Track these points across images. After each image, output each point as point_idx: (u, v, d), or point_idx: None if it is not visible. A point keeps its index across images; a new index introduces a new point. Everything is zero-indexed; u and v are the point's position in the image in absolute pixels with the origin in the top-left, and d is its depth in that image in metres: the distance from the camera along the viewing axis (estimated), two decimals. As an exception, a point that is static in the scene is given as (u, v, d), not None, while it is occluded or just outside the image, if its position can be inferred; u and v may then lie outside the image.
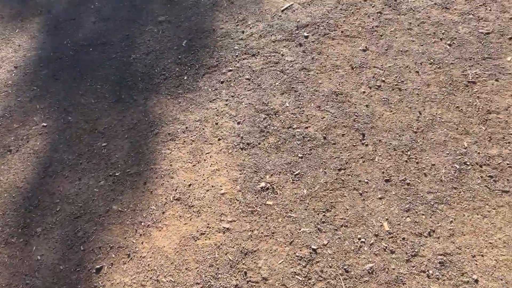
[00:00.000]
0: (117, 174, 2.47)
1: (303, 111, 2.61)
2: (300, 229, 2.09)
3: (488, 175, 2.18)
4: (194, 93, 2.83)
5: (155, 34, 3.30)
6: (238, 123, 2.61)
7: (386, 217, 2.09)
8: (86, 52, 3.25)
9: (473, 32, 2.90)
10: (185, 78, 2.94)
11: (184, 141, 2.57)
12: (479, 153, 2.28)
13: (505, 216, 2.03)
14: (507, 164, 2.21)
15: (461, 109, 2.49)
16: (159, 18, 3.42)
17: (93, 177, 2.48)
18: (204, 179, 2.36)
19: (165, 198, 2.32)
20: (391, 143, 2.38)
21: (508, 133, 2.33)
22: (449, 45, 2.85)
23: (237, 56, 3.01)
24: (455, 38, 2.88)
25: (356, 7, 3.20)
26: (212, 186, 2.33)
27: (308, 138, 2.46)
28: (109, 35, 3.36)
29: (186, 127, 2.64)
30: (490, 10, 3.02)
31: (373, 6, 3.19)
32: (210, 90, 2.83)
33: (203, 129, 2.61)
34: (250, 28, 3.19)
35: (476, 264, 1.90)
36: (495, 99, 2.51)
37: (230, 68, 2.94)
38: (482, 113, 2.45)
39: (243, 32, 3.17)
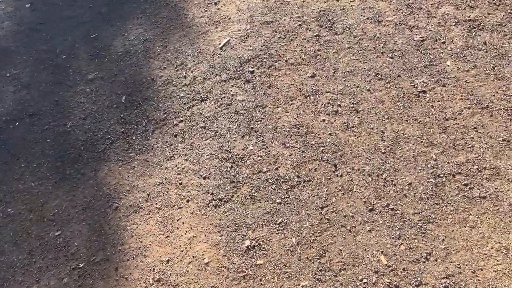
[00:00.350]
0: (81, 266, 2.17)
1: (269, 151, 2.50)
2: (299, 285, 1.96)
3: (463, 183, 2.21)
4: (147, 153, 2.60)
5: (89, 94, 3.01)
6: (204, 177, 2.43)
7: (381, 250, 2.03)
8: (13, 128, 2.88)
9: (410, 41, 2.99)
10: (134, 138, 2.70)
11: (150, 211, 2.34)
12: (448, 162, 2.31)
13: (490, 223, 2.06)
14: (476, 168, 2.26)
15: (420, 121, 2.53)
16: (89, 76, 3.13)
17: (54, 275, 2.16)
18: (182, 251, 2.15)
19: (144, 282, 2.07)
20: (364, 169, 2.35)
21: (469, 137, 2.40)
22: (391, 57, 2.91)
23: (185, 104, 2.84)
24: (395, 50, 2.95)
25: (293, 33, 3.18)
26: (193, 256, 2.12)
27: (281, 180, 2.35)
28: (35, 104, 3.01)
29: (148, 194, 2.41)
30: (419, 17, 3.14)
31: (310, 30, 3.18)
32: (164, 147, 2.62)
33: (167, 192, 2.40)
34: (192, 71, 3.03)
35: (478, 280, 1.89)
36: (447, 105, 2.58)
37: (181, 119, 2.76)
38: (440, 121, 2.51)
39: (185, 77, 3.00)
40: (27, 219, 2.41)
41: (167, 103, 2.86)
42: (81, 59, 3.27)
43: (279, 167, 2.42)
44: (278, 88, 2.83)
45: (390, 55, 2.92)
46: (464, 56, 2.83)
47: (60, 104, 2.98)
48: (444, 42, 2.94)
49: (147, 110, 2.84)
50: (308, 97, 2.75)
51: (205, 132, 2.65)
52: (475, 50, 2.85)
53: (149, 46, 3.27)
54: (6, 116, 2.96)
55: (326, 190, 2.28)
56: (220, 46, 3.16)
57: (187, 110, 2.79)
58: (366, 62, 2.90)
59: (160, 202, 2.36)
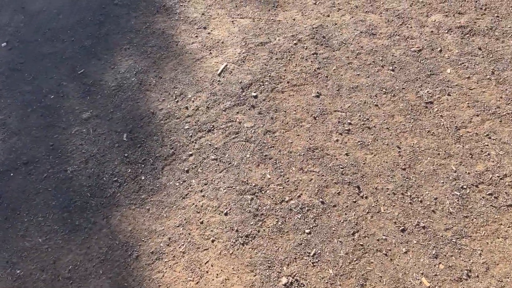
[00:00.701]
0: (108, 325, 2.03)
1: (288, 178, 2.43)
2: (346, 319, 1.90)
3: (487, 193, 2.23)
4: (160, 193, 2.49)
5: (86, 135, 2.86)
6: (226, 214, 2.33)
7: (421, 271, 2.00)
8: (8, 179, 2.69)
9: (407, 52, 3.02)
10: (143, 178, 2.57)
11: (174, 256, 2.22)
12: (468, 173, 2.32)
13: (522, 231, 2.07)
14: (498, 176, 2.28)
15: (433, 133, 2.54)
16: (83, 115, 2.98)
17: None
18: (217, 296, 2.05)
19: (181, 336, 1.95)
20: (387, 188, 2.32)
21: (484, 145, 2.43)
22: (392, 70, 2.92)
23: (191, 136, 2.73)
24: (394, 62, 2.96)
25: (290, 53, 3.14)
26: (230, 301, 2.02)
27: (306, 208, 2.29)
28: (29, 150, 2.82)
29: (169, 238, 2.29)
30: (411, 27, 3.18)
31: (306, 48, 3.16)
32: (177, 184, 2.51)
33: (189, 233, 2.29)
34: (193, 101, 2.94)
35: (522, 292, 1.89)
36: (456, 114, 2.61)
37: (190, 152, 2.65)
38: (452, 131, 2.53)
39: (187, 107, 2.90)
40: (40, 279, 2.23)
41: (173, 137, 2.75)
42: (72, 98, 3.10)
43: (301, 194, 2.36)
44: (285, 111, 2.78)
45: (391, 67, 2.93)
46: (462, 63, 2.88)
47: (56, 148, 2.81)
48: (440, 51, 2.98)
49: (152, 147, 2.72)
50: (317, 118, 2.72)
51: (218, 164, 2.56)
52: (471, 56, 2.91)
53: (143, 78, 3.15)
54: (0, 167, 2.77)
55: (354, 214, 2.24)
56: (218, 72, 3.08)
57: (195, 143, 2.70)
58: (368, 77, 2.90)
59: (183, 245, 2.25)
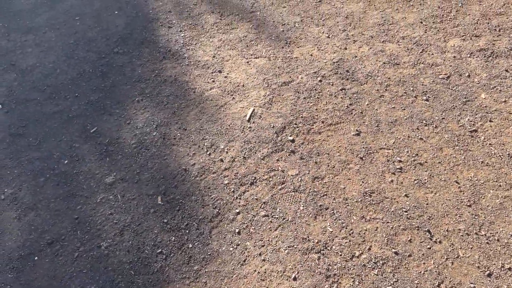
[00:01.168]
0: None
1: (351, 230, 2.27)
2: None
3: None
4: (215, 262, 2.25)
5: (115, 202, 2.59)
6: (294, 278, 2.13)
7: (523, 320, 1.87)
8: (33, 265, 2.36)
9: (436, 80, 2.97)
10: (191, 246, 2.33)
11: (248, 335, 1.98)
12: (537, 203, 2.25)
13: None
14: None
15: (487, 163, 2.46)
16: (106, 180, 2.71)
17: None
18: None
19: None
20: (459, 229, 2.21)
21: (543, 171, 2.37)
22: (426, 100, 2.86)
23: (233, 192, 2.53)
24: (426, 91, 2.91)
25: (317, 91, 3.03)
26: None
27: (381, 262, 2.13)
28: (52, 227, 2.51)
29: (238, 314, 2.05)
30: (433, 54, 3.16)
31: (332, 84, 3.06)
32: (231, 249, 2.29)
33: (259, 306, 2.06)
34: (227, 152, 2.74)
35: None
36: (504, 141, 2.55)
37: (236, 210, 2.44)
38: (506, 159, 2.46)
39: (222, 160, 2.70)
40: None
41: (213, 194, 2.53)
42: (89, 161, 2.83)
43: (371, 246, 2.20)
44: (328, 154, 2.64)
45: (424, 97, 2.87)
46: (494, 87, 2.86)
47: (83, 221, 2.52)
48: (468, 76, 2.96)
49: (193, 208, 2.49)
50: (363, 158, 2.59)
51: (271, 221, 2.37)
52: (501, 79, 2.90)
53: (165, 132, 2.93)
54: (19, 251, 2.43)
55: (433, 262, 2.10)
56: (247, 118, 2.91)
57: (240, 199, 2.49)
58: (404, 109, 2.82)
59: (255, 320, 2.02)
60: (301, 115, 2.88)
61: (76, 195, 2.66)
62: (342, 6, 3.74)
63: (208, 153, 2.76)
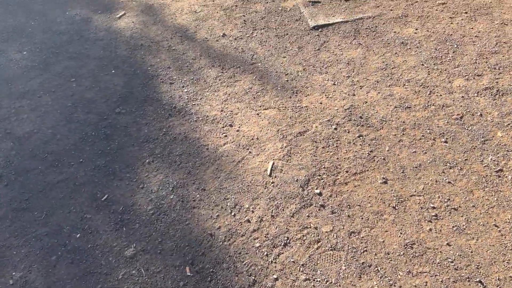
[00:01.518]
0: None
1: (400, 287, 2.15)
2: None
3: None
4: (261, 337, 2.06)
5: (139, 277, 2.38)
6: None
7: None
8: None
9: (450, 121, 3.00)
10: (231, 321, 2.14)
11: None
12: None
13: None
14: None
15: (522, 203, 2.44)
16: (126, 253, 2.50)
17: None
18: None
19: None
20: (510, 276, 2.13)
21: None
22: (445, 142, 2.86)
23: (267, 255, 2.38)
24: (443, 133, 2.92)
25: (334, 139, 2.99)
26: None
27: (439, 321, 2.00)
28: (71, 313, 2.27)
29: None
30: (441, 95, 3.21)
31: (349, 132, 3.03)
32: (276, 320, 2.11)
33: None
34: (252, 211, 2.61)
35: None
36: (533, 178, 2.56)
37: (274, 276, 2.29)
38: (539, 198, 2.45)
39: (248, 220, 2.57)
40: None
41: (245, 260, 2.38)
42: (104, 233, 2.62)
43: (425, 303, 2.08)
44: (359, 205, 2.56)
45: (443, 139, 2.88)
46: (508, 124, 2.91)
47: (105, 303, 2.29)
48: (481, 115, 3.01)
49: (226, 278, 2.31)
50: (396, 207, 2.52)
51: (313, 286, 2.22)
52: (512, 116, 2.96)
53: (183, 194, 2.78)
54: None
55: (494, 316, 2.00)
56: (267, 173, 2.81)
57: (275, 263, 2.34)
58: (425, 153, 2.81)
59: None
60: (323, 166, 2.81)
61: (94, 273, 2.43)
62: (341, 53, 3.80)
63: (232, 214, 2.62)
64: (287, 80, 3.60)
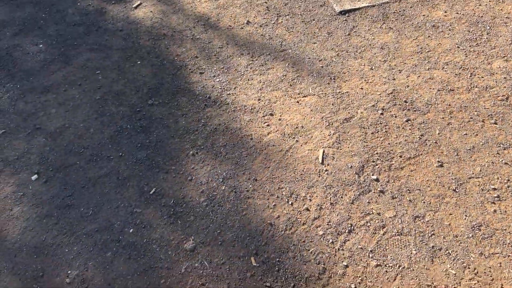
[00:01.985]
0: None
1: (475, 269, 2.14)
2: None
3: None
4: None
5: (203, 270, 2.32)
6: (437, 332, 1.95)
7: None
8: None
9: (496, 102, 2.99)
10: (307, 310, 2.10)
11: None
12: None
13: None
14: None
15: None
16: (186, 246, 2.43)
17: None
18: None
19: None
20: None
21: None
22: (495, 123, 2.86)
23: (333, 243, 2.34)
24: (491, 114, 2.91)
25: (382, 124, 2.95)
26: None
27: (520, 300, 2.00)
28: (138, 310, 2.19)
29: None
30: (483, 77, 3.19)
31: (396, 116, 3.00)
32: (353, 308, 2.07)
33: None
34: (310, 200, 2.56)
35: None
36: None
37: (344, 263, 2.25)
38: None
39: (307, 209, 2.52)
40: None
41: (311, 248, 2.33)
42: (158, 226, 2.55)
43: (502, 285, 2.07)
44: (419, 190, 2.53)
45: (492, 121, 2.87)
46: (555, 104, 2.91)
47: (172, 298, 2.22)
48: (526, 95, 3.00)
49: (294, 266, 2.27)
50: (456, 190, 2.50)
51: (386, 271, 2.19)
52: (558, 95, 2.96)
53: (235, 185, 2.72)
54: None
55: None
56: (319, 160, 2.76)
57: (342, 250, 2.30)
58: (477, 135, 2.79)
59: None
60: (375, 152, 2.78)
61: (154, 267, 2.36)
62: (373, 37, 3.75)
63: (289, 203, 2.57)
64: (322, 66, 3.54)
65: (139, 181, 2.82)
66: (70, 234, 2.57)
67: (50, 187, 2.84)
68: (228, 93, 3.43)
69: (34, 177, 2.92)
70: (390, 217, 2.41)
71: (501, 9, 3.83)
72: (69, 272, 2.38)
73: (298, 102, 3.24)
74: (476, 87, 3.12)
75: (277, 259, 2.31)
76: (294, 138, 2.96)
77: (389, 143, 2.82)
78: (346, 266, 2.23)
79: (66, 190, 2.82)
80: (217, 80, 3.57)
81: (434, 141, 2.79)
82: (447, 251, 2.22)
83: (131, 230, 2.55)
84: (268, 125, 3.09)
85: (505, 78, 3.15)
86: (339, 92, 3.27)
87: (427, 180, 2.57)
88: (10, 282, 2.35)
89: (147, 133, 3.16)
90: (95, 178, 2.88)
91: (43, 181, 2.88)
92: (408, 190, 2.53)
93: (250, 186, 2.70)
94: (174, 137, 3.10)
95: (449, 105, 3.02)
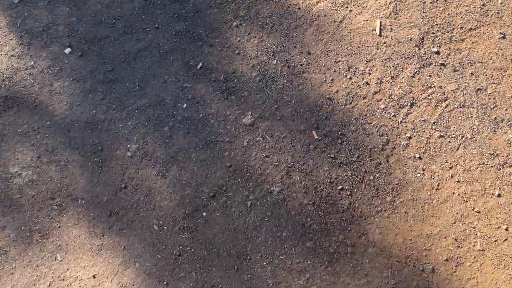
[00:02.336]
0: None
1: (536, 138, 2.20)
2: None
3: None
4: (406, 190, 2.14)
5: (265, 143, 2.33)
6: (499, 195, 2.08)
7: None
8: (205, 220, 2.13)
9: None
10: (372, 178, 2.19)
11: (474, 257, 1.96)
12: None
13: None
14: None
15: None
16: (244, 121, 2.41)
17: None
18: None
19: None
20: None
21: None
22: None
23: (395, 116, 2.33)
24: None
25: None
26: None
27: None
28: (206, 179, 2.24)
29: (455, 239, 2.00)
30: None
31: None
32: (419, 175, 2.17)
33: (474, 228, 2.02)
34: (369, 73, 2.48)
35: None
36: None
37: (407, 135, 2.28)
38: None
39: (367, 83, 2.45)
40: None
41: (374, 121, 2.33)
42: (212, 101, 2.48)
43: (562, 151, 2.15)
44: (481, 62, 2.46)
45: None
46: None
47: (238, 169, 2.26)
48: None
49: (357, 139, 2.30)
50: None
51: (449, 142, 2.24)
52: None
53: (287, 59, 2.59)
54: (181, 209, 2.17)
55: None
56: (377, 32, 2.61)
57: (405, 122, 2.32)
58: (542, 5, 2.63)
59: (476, 242, 1.98)
60: (435, 23, 2.62)
61: (216, 141, 2.36)
62: None
63: (348, 77, 2.49)
64: None
65: (182, 55, 2.66)
66: (121, 109, 2.48)
67: (87, 61, 2.66)
68: (266, -43, 3.05)
69: (67, 50, 2.70)
70: (452, 90, 2.38)
71: None
72: (128, 146, 2.36)
73: (346, -33, 2.93)
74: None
75: (339, 132, 2.32)
76: (347, 7, 2.74)
77: (449, 14, 2.65)
78: (410, 138, 2.27)
79: (106, 64, 2.65)
80: None
81: (496, 11, 2.63)
82: (509, 122, 2.26)
83: (185, 105, 2.48)
84: (315, -6, 2.83)
85: None
86: (392, -44, 2.95)
87: (489, 53, 2.49)
88: (70, 156, 2.34)
89: (182, 3, 2.87)
90: (134, 51, 2.69)
91: (78, 54, 2.69)
92: (470, 63, 2.46)
93: (304, 60, 2.57)
94: (213, 7, 2.84)
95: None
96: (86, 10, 2.86)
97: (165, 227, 2.13)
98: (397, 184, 2.15)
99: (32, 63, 2.62)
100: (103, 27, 2.79)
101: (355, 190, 2.16)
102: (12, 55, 2.64)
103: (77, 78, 2.59)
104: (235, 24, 2.75)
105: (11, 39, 2.69)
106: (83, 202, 2.22)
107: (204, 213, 2.15)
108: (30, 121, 2.43)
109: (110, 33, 2.77)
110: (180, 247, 2.07)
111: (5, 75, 2.56)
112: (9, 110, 2.46)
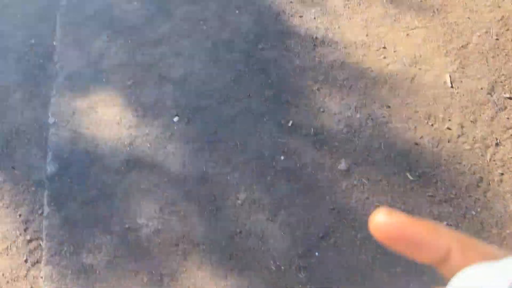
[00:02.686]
0: None
1: None
2: None
3: None
4: (511, 222, 2.25)
5: (362, 186, 2.55)
6: None
7: None
8: (317, 262, 2.29)
9: None
10: (474, 213, 2.32)
11: None
12: None
13: None
14: None
15: None
16: (340, 167, 2.66)
17: None
18: None
19: None
20: None
21: None
22: None
23: (482, 155, 2.53)
24: None
25: (500, 48, 3.06)
26: None
27: None
28: (314, 222, 2.45)
29: None
30: None
31: (513, 40, 3.09)
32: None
33: None
34: (449, 120, 2.73)
35: None
36: None
37: (499, 171, 2.45)
38: None
39: (449, 128, 2.69)
40: None
41: (463, 161, 2.52)
42: (305, 153, 2.76)
43: None
44: None
45: None
46: None
47: (342, 211, 2.46)
48: None
49: (450, 177, 2.47)
50: None
51: (541, 174, 2.38)
52: None
53: (369, 112, 2.89)
54: (294, 250, 2.35)
55: None
56: (448, 84, 2.91)
57: (494, 160, 2.49)
58: None
59: None
60: (501, 73, 2.91)
61: (316, 186, 2.60)
62: (468, -31, 3.78)
63: (430, 124, 2.75)
64: (421, 1, 3.61)
65: (274, 116, 3.03)
66: (227, 164, 2.81)
67: (193, 126, 3.07)
68: (333, 32, 3.54)
69: (176, 118, 3.14)
70: None
71: None
72: (237, 195, 2.64)
73: (407, 34, 3.35)
74: None
75: (432, 173, 2.52)
76: (415, 66, 3.10)
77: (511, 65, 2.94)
78: (502, 174, 2.43)
79: (209, 128, 3.04)
80: (318, 21, 3.68)
81: None
82: None
83: (282, 158, 2.77)
84: (384, 58, 3.22)
85: None
86: (446, 22, 3.36)
87: None
88: (187, 206, 2.62)
89: (266, 74, 3.33)
90: (232, 116, 3.09)
91: (185, 121, 3.11)
92: None
93: (385, 112, 2.88)
94: (294, 76, 3.27)
95: None
96: (187, 86, 3.36)
97: (282, 267, 2.30)
98: (501, 217, 2.27)
99: (147, 131, 3.05)
100: (203, 98, 3.24)
101: (459, 225, 2.29)
102: (130, 126, 3.09)
103: (186, 141, 2.98)
104: (316, 88, 3.14)
105: (128, 113, 3.17)
106: (204, 247, 2.44)
107: (317, 253, 2.32)
108: (150, 179, 2.77)
109: (210, 102, 3.21)
110: (300, 285, 2.22)
111: (126, 143, 2.99)
112: (132, 171, 2.83)
